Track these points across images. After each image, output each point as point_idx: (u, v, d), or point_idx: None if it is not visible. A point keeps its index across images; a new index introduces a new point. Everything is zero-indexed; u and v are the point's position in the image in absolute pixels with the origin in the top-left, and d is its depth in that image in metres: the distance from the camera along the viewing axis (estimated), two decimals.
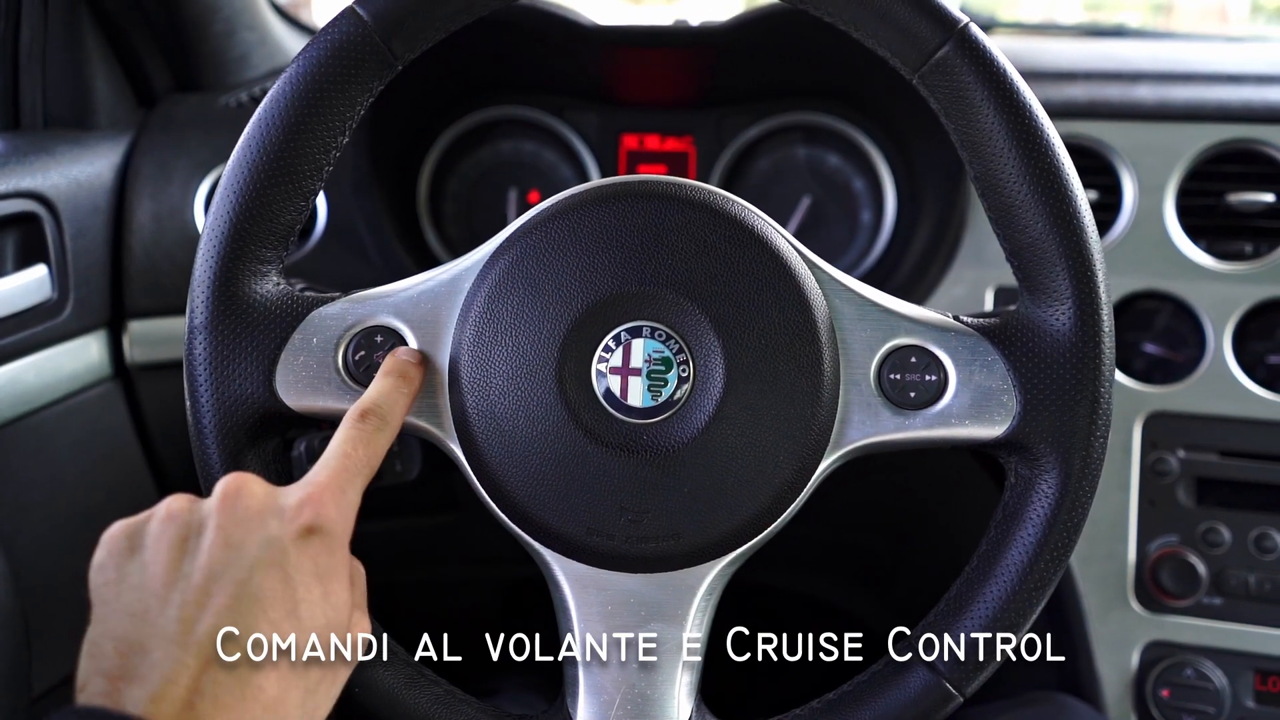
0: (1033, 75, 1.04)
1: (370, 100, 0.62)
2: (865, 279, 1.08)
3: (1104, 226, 1.00)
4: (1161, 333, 1.00)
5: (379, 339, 0.62)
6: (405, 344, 0.62)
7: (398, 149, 1.10)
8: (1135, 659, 0.95)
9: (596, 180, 0.64)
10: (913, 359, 0.60)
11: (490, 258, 0.62)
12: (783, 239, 0.62)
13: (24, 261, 0.88)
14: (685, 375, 0.59)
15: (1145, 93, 1.00)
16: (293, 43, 1.28)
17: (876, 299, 0.62)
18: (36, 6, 0.94)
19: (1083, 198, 0.59)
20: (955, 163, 0.97)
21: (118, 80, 1.04)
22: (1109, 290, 0.59)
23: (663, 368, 0.59)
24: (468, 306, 0.61)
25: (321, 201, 1.03)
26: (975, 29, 0.59)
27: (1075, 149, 1.00)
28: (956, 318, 0.62)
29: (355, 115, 0.62)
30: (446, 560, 1.35)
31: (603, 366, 0.59)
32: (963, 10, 1.54)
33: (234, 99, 1.09)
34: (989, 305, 1.00)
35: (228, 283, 0.60)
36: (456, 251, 1.14)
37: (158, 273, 0.99)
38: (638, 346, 0.59)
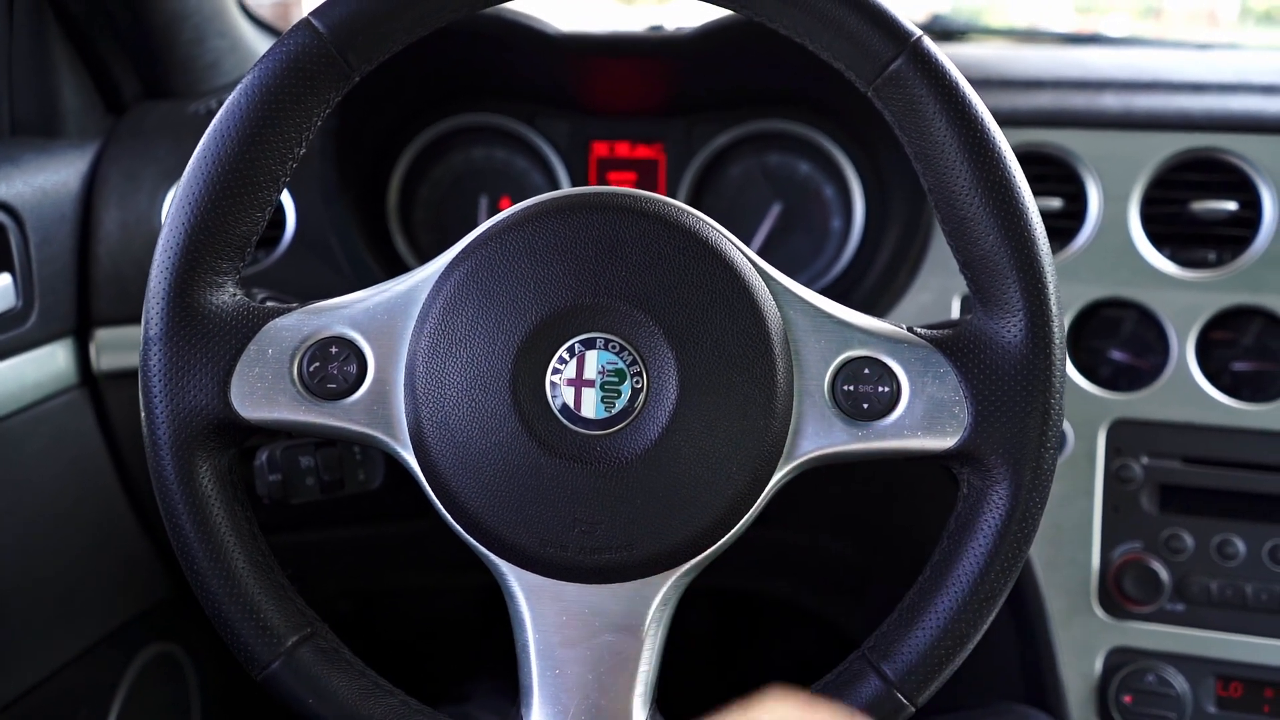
0: (1000, 83, 1.05)
1: (327, 111, 0.62)
2: (834, 285, 1.09)
3: (1069, 234, 1.00)
4: (1127, 340, 1.00)
5: (334, 350, 0.62)
6: (361, 355, 0.62)
7: (367, 156, 1.10)
8: (1098, 665, 0.95)
9: (552, 192, 0.64)
10: (866, 370, 0.61)
11: (446, 269, 0.62)
12: (737, 251, 0.62)
13: None
14: (639, 387, 0.59)
15: (1110, 101, 1.01)
16: (264, 47, 1.27)
17: (831, 310, 0.62)
18: (1, 15, 0.94)
19: (1034, 211, 0.59)
20: None
21: (86, 88, 1.04)
22: (1060, 303, 0.60)
23: (616, 379, 0.59)
24: (423, 318, 0.61)
25: (290, 209, 1.03)
26: (928, 42, 0.60)
27: (1041, 157, 1.01)
28: (910, 329, 0.62)
29: (312, 126, 0.62)
30: (420, 567, 1.35)
31: (557, 378, 0.59)
32: (946, 16, 1.54)
33: (203, 106, 1.09)
34: (955, 313, 1.00)
35: (183, 294, 0.60)
36: (427, 259, 1.13)
37: (124, 281, 0.99)
38: (591, 358, 0.60)
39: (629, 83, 1.10)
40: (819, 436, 0.61)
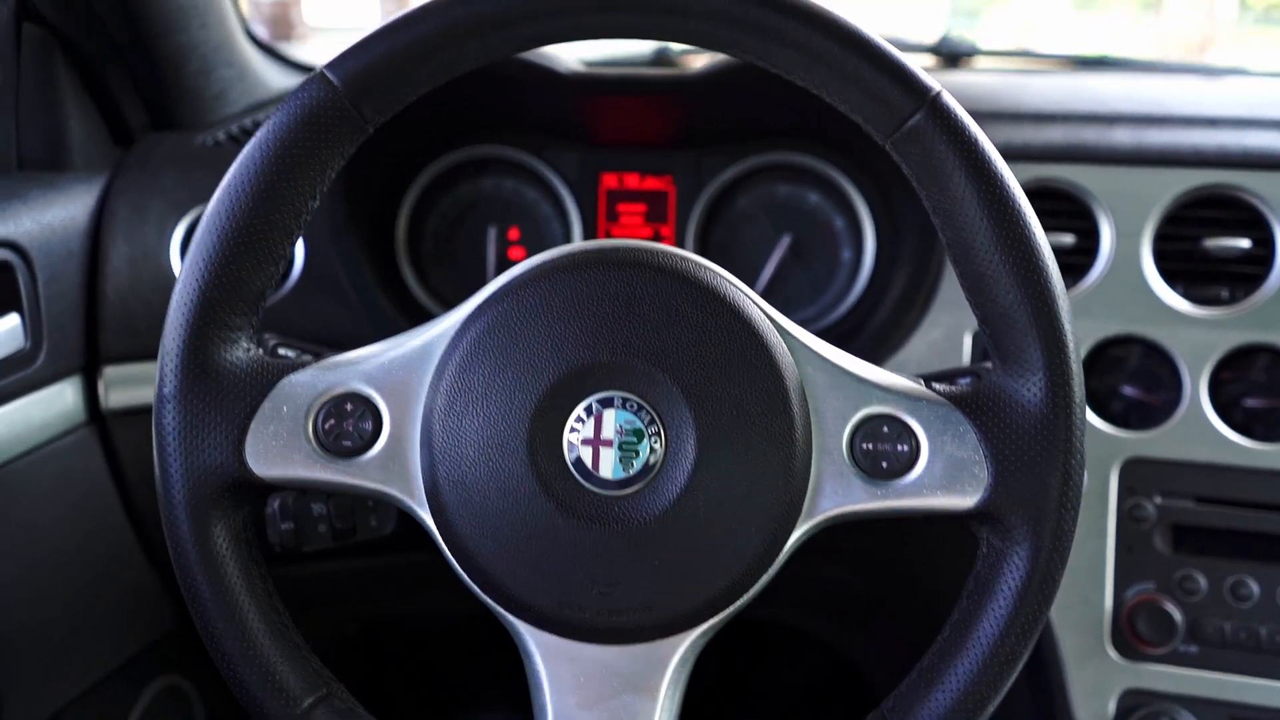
0: (1010, 116, 1.04)
1: (341, 163, 0.62)
2: (844, 320, 1.09)
3: (1081, 270, 1.00)
4: (1139, 374, 1.00)
5: (349, 407, 0.62)
6: (376, 411, 0.62)
7: (376, 191, 1.10)
8: (1112, 707, 0.95)
9: (568, 246, 0.64)
10: (885, 428, 0.61)
11: (462, 325, 0.62)
12: (755, 306, 0.62)
13: None
14: (657, 447, 0.59)
15: (1123, 136, 1.00)
16: (272, 75, 1.27)
17: (849, 366, 0.62)
18: (8, 51, 0.94)
19: (1054, 269, 0.59)
20: None
21: (93, 120, 1.03)
22: (1080, 363, 0.60)
23: (634, 439, 0.59)
24: (439, 375, 0.61)
25: (299, 246, 1.02)
26: (947, 97, 0.59)
27: (1053, 192, 1.01)
28: (929, 384, 0.62)
29: (326, 179, 0.62)
30: (429, 593, 1.34)
31: (574, 437, 0.59)
32: (953, 38, 1.52)
33: (211, 138, 1.08)
34: (966, 349, 1.00)
35: (197, 351, 0.60)
36: (435, 291, 1.13)
37: (132, 318, 0.99)
38: (609, 417, 0.59)
39: (638, 117, 1.09)
40: (838, 495, 0.60)
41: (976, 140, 0.59)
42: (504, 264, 1.13)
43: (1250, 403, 0.98)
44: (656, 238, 1.11)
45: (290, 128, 0.60)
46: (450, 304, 1.11)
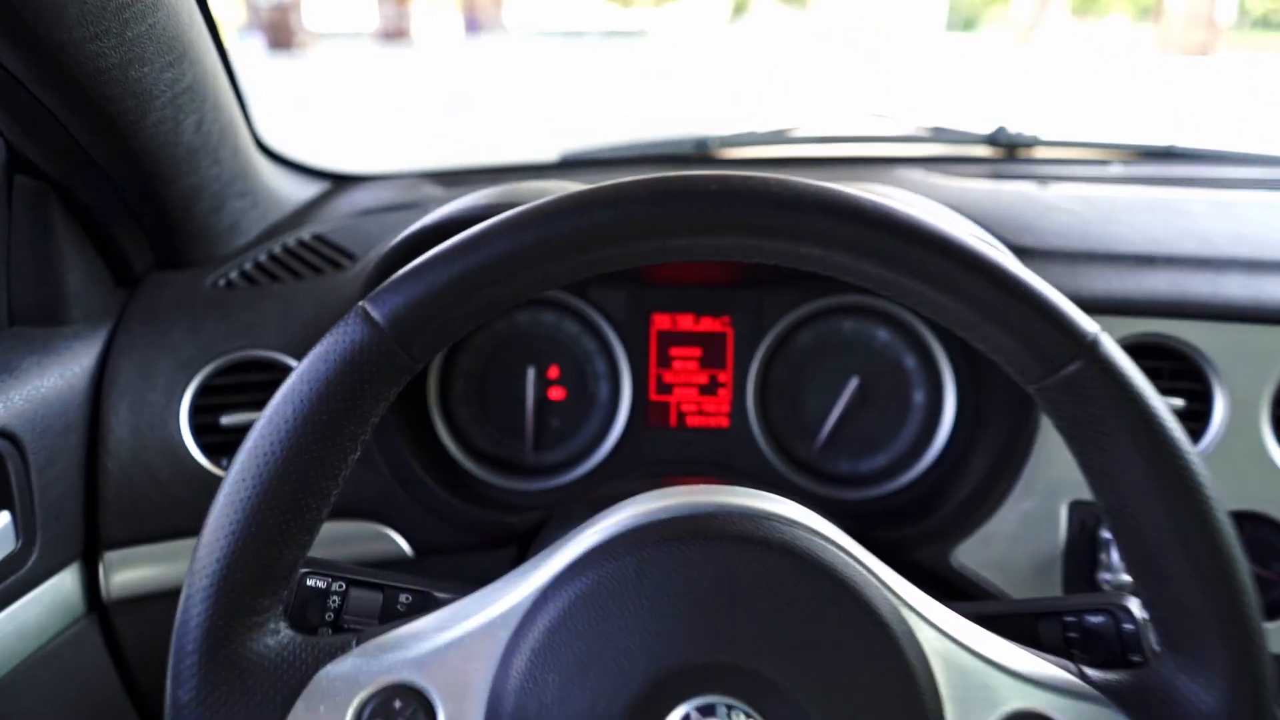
0: (1105, 258, 0.95)
1: (386, 407, 0.53)
2: (924, 478, 0.98)
3: (1191, 437, 0.90)
4: (1257, 549, 0.90)
5: (398, 704, 0.53)
6: (430, 708, 0.53)
7: None
8: None
9: (660, 503, 0.55)
10: None
11: (531, 607, 0.53)
12: (880, 589, 0.53)
13: None
14: None
15: (1236, 289, 0.91)
16: (287, 187, 1.16)
17: (989, 653, 0.53)
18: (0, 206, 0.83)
19: (1242, 558, 0.50)
20: None
21: (92, 264, 0.91)
22: (1272, 666, 0.50)
23: None
24: (505, 670, 0.52)
25: None
26: (1107, 342, 0.50)
27: (1159, 350, 0.91)
28: (1081, 672, 0.53)
29: (369, 429, 0.53)
30: None
31: None
32: (1009, 130, 1.40)
33: (222, 277, 0.98)
34: (1063, 523, 0.90)
35: (219, 646, 0.51)
36: (466, 441, 1.02)
37: (137, 496, 0.88)
38: None
39: (692, 264, 1.00)
40: None
41: (1143, 396, 0.50)
42: (544, 406, 1.03)
43: None
44: (713, 383, 1.01)
45: (329, 380, 0.50)
46: (484, 456, 1.02)
